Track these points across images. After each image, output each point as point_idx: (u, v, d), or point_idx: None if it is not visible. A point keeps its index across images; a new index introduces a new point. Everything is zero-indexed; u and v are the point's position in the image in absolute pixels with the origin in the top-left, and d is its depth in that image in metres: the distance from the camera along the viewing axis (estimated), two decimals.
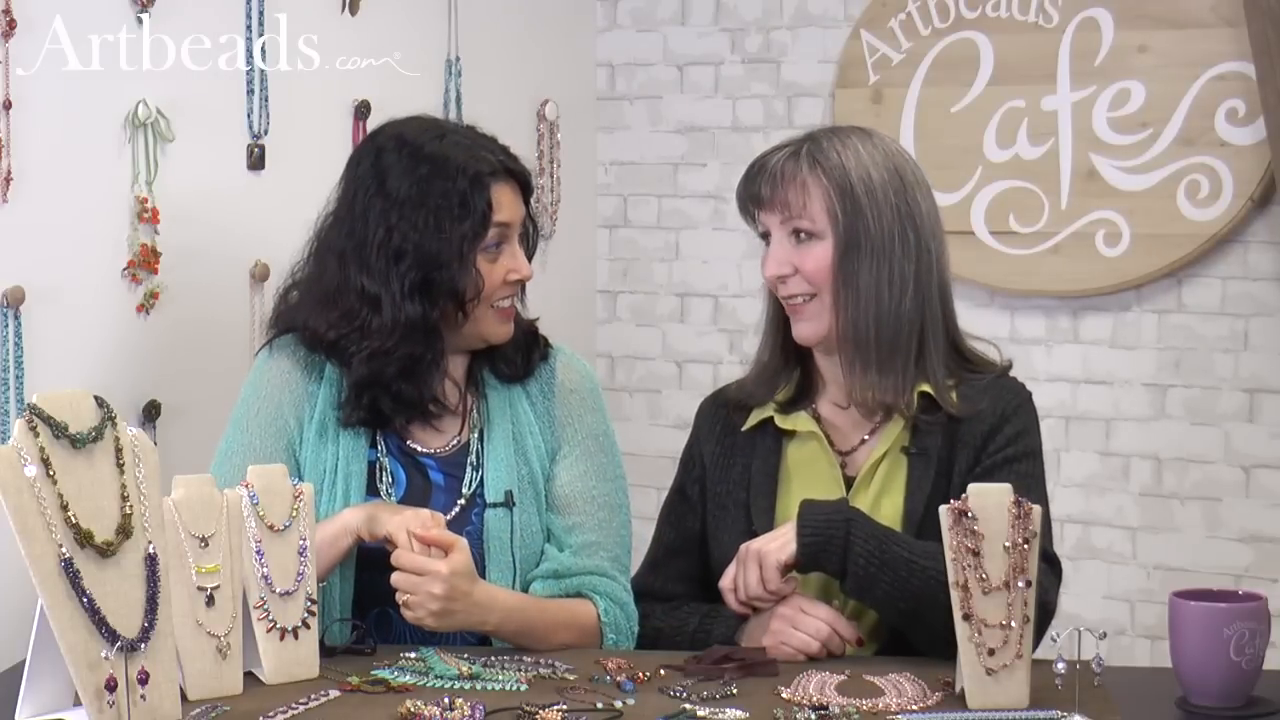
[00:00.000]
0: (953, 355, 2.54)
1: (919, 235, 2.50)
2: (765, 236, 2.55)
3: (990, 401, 2.51)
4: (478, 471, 2.55)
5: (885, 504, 2.50)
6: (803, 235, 2.50)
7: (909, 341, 2.49)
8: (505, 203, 2.52)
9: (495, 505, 2.52)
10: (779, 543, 2.40)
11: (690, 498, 2.64)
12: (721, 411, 2.64)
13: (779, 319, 2.58)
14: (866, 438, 2.55)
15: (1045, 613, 2.38)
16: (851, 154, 2.51)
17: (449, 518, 2.48)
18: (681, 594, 2.61)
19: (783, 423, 2.56)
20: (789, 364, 2.59)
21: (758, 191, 2.52)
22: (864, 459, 2.54)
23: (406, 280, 2.48)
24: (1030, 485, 2.43)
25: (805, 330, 2.53)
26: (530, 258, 2.61)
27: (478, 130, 2.62)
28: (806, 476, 2.55)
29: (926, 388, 2.50)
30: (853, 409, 2.55)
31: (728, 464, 2.60)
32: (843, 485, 2.53)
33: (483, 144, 2.56)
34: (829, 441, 2.55)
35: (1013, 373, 2.61)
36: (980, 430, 2.50)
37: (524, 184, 2.57)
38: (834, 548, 2.37)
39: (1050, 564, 2.45)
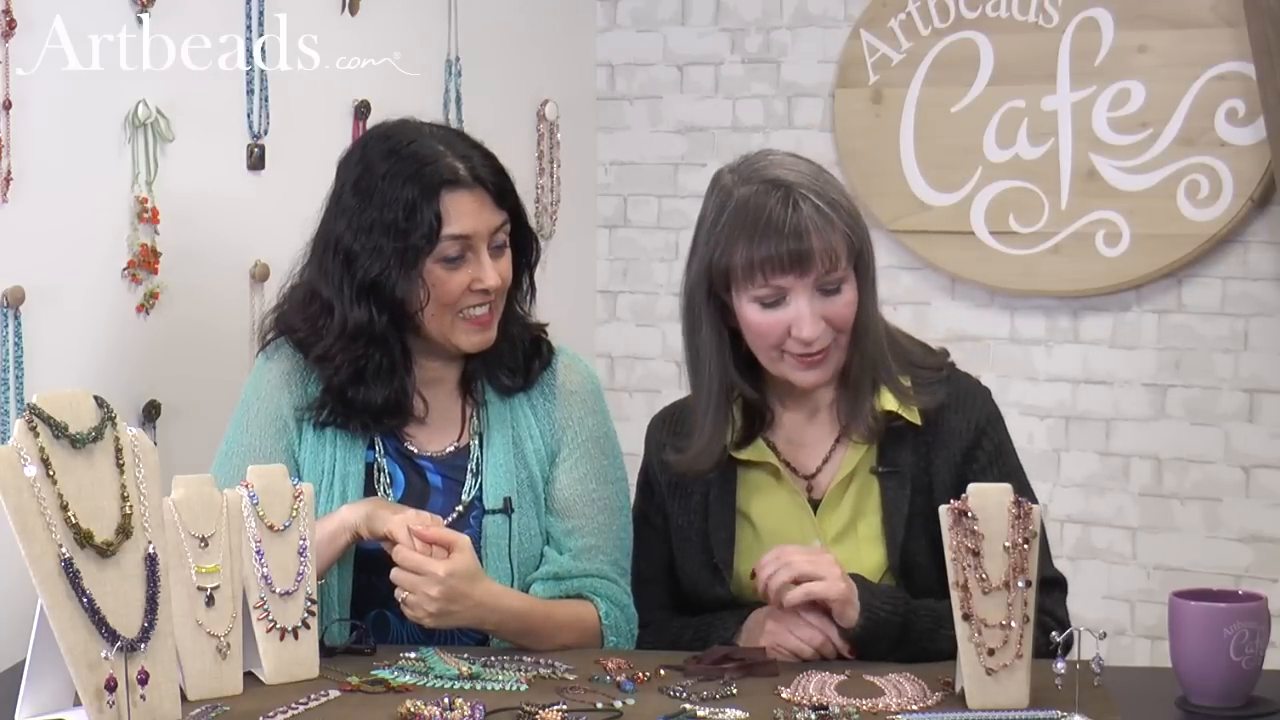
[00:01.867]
0: (895, 353, 2.49)
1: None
2: (770, 301, 2.39)
3: (959, 411, 2.48)
4: (477, 478, 2.54)
5: (861, 526, 2.48)
6: (829, 287, 2.39)
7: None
8: (465, 213, 2.45)
9: (493, 512, 2.52)
10: (839, 602, 2.34)
11: (655, 525, 2.60)
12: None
13: (730, 375, 2.46)
14: (828, 457, 2.51)
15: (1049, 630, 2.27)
16: (832, 187, 2.42)
17: (446, 523, 2.47)
18: (658, 622, 2.57)
19: (738, 454, 2.51)
20: (731, 414, 2.48)
21: (797, 251, 2.35)
22: (829, 480, 2.50)
23: (355, 285, 2.46)
24: None
25: (818, 377, 2.44)
26: (528, 264, 2.58)
27: (461, 134, 2.57)
28: (768, 505, 2.52)
29: (889, 399, 2.46)
30: (810, 430, 2.52)
31: (685, 494, 2.55)
32: (809, 509, 2.50)
33: (456, 150, 2.48)
34: (789, 468, 2.52)
35: (993, 372, 2.58)
36: (958, 447, 2.47)
37: (500, 192, 2.49)
38: (888, 634, 2.36)
39: (1056, 584, 2.44)
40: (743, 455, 2.51)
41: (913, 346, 2.53)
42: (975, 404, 2.51)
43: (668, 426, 2.60)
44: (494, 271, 2.48)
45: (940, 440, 2.47)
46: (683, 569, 2.56)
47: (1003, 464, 2.48)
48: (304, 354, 2.52)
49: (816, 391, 2.50)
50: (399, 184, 2.44)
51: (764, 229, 2.36)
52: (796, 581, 2.33)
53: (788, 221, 2.35)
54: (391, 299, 2.45)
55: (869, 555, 2.47)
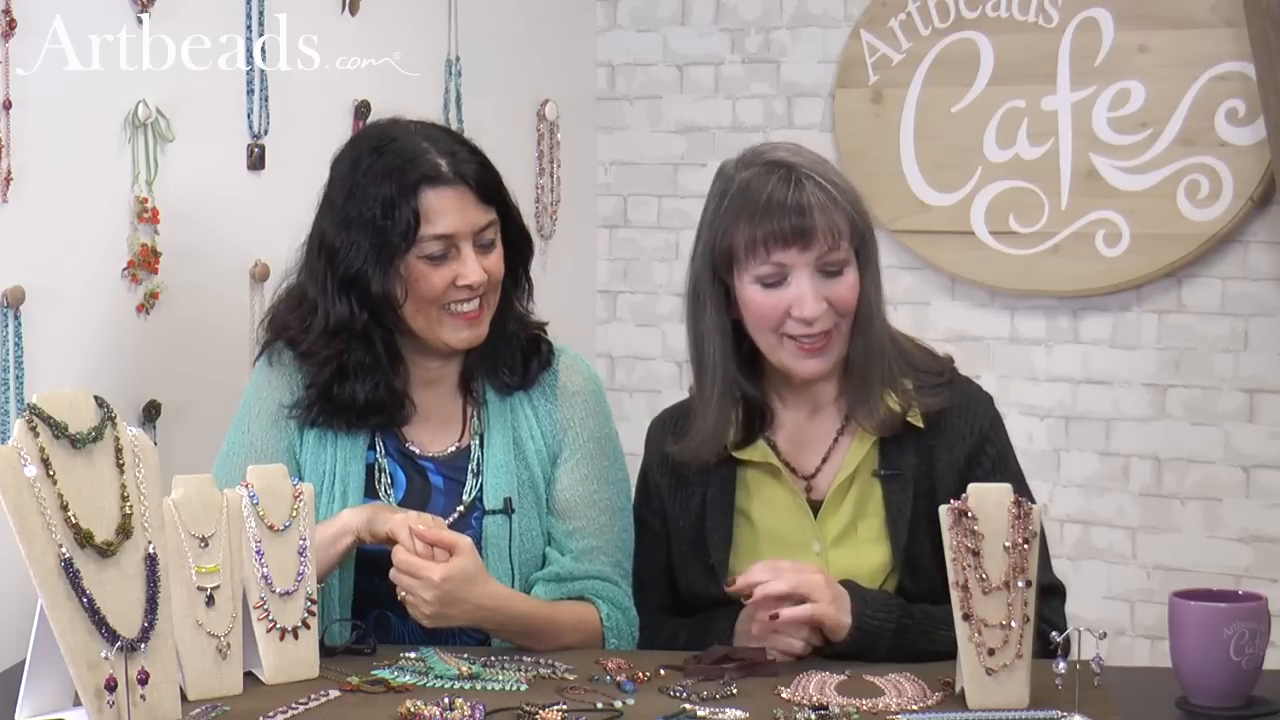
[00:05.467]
0: (898, 356, 2.48)
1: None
2: (771, 281, 2.39)
3: (962, 415, 2.48)
4: (478, 478, 2.54)
5: (862, 528, 2.47)
6: (831, 268, 2.39)
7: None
8: (445, 210, 2.44)
9: (494, 512, 2.51)
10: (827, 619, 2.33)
11: (653, 529, 2.58)
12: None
13: (732, 367, 2.45)
14: (827, 457, 2.51)
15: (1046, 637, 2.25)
16: (834, 173, 2.43)
17: (448, 523, 2.46)
18: (655, 624, 2.56)
19: (738, 453, 2.50)
20: (734, 409, 2.47)
21: (799, 226, 2.35)
22: (828, 482, 2.49)
23: (336, 281, 2.46)
24: None
25: (818, 366, 2.43)
26: (523, 262, 2.57)
27: (448, 130, 2.57)
28: (768, 505, 2.51)
29: (892, 399, 2.44)
30: (810, 428, 2.51)
31: (685, 495, 2.54)
32: (809, 511, 2.49)
33: (439, 146, 2.47)
34: (789, 469, 2.50)
35: (993, 372, 2.58)
36: (961, 450, 2.47)
37: (484, 189, 2.48)
38: (882, 642, 2.36)
39: (1054, 591, 2.43)
40: (743, 455, 2.50)
41: (915, 350, 2.52)
42: (978, 409, 2.51)
43: (668, 427, 2.59)
44: (477, 268, 2.46)
45: (943, 443, 2.47)
46: (681, 571, 2.55)
47: (1005, 469, 2.48)
48: (294, 352, 2.53)
49: (817, 388, 2.50)
50: (378, 180, 2.44)
51: (765, 205, 2.37)
52: (788, 597, 2.32)
53: (790, 197, 2.36)
54: (371, 295, 2.45)
55: (870, 557, 2.46)
